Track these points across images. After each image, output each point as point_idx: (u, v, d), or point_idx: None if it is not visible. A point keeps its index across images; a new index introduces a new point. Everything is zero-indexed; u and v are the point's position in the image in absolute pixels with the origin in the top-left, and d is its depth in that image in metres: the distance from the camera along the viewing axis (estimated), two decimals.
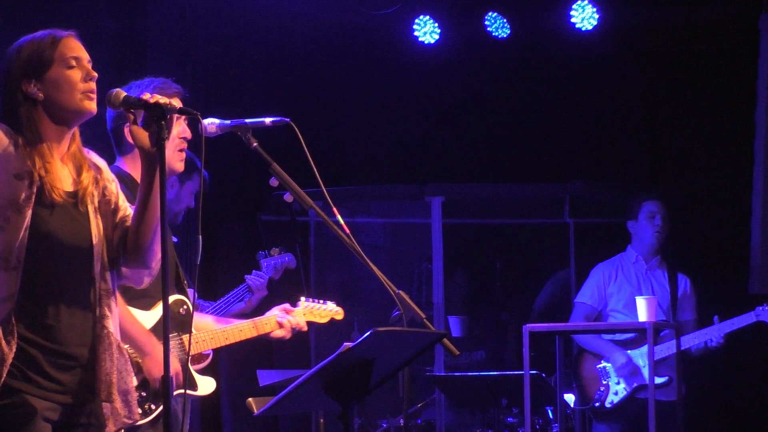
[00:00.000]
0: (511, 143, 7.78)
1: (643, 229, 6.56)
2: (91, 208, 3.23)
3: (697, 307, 6.56)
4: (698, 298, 6.60)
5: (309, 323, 4.88)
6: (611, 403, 6.48)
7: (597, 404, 6.45)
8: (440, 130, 7.78)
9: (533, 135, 7.78)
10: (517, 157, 7.81)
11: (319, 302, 4.90)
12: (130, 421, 3.33)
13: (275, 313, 4.63)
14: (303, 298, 4.85)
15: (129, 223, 3.35)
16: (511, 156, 7.79)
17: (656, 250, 6.61)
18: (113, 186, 3.36)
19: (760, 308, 6.15)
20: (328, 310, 4.94)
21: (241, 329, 4.50)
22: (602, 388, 6.44)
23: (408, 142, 7.73)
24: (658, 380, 6.30)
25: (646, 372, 6.38)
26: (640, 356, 6.41)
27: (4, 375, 3.02)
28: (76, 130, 3.28)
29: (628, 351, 6.46)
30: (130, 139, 3.79)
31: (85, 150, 3.34)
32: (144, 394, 3.99)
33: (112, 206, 3.33)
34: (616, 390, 6.46)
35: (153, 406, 4.01)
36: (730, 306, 6.53)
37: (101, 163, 3.38)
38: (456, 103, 7.81)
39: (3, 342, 3.02)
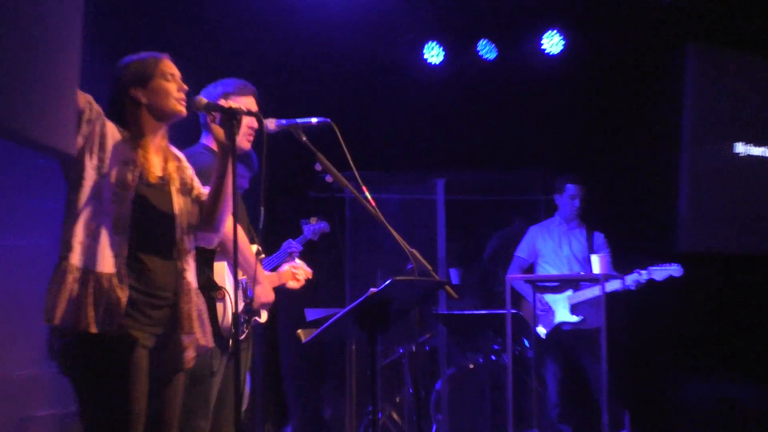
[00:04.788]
0: (497, 138, 7.70)
1: (565, 206, 6.44)
2: (173, 189, 3.20)
3: (610, 256, 6.40)
4: (610, 249, 6.45)
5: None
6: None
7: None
8: (445, 129, 7.67)
9: (515, 133, 7.69)
10: (502, 149, 7.71)
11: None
12: (208, 347, 3.28)
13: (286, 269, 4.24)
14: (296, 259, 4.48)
15: (204, 198, 3.30)
16: (497, 147, 7.70)
17: (577, 216, 6.49)
18: (190, 172, 3.31)
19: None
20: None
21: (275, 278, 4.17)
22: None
23: (420, 137, 7.55)
24: (575, 318, 6.24)
25: (558, 313, 6.25)
26: (561, 299, 6.27)
27: (120, 318, 2.96)
28: (165, 128, 3.25)
29: (550, 295, 6.33)
30: None
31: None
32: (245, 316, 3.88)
33: (189, 187, 3.29)
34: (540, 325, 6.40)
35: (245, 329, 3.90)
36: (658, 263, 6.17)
37: (180, 155, 3.34)
38: (455, 109, 7.73)
39: (119, 289, 2.96)
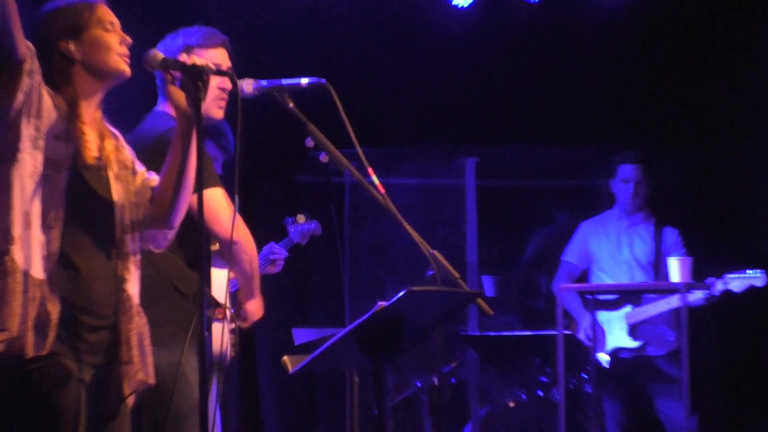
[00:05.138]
0: (543, 105, 7.89)
1: (620, 192, 6.54)
2: (111, 174, 3.32)
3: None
4: (687, 250, 6.51)
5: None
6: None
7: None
8: (476, 93, 7.94)
9: (567, 98, 7.84)
10: (549, 119, 7.90)
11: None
12: (148, 383, 3.38)
13: None
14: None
15: (154, 183, 3.45)
16: (543, 117, 7.92)
17: (638, 207, 6.57)
18: (128, 152, 3.45)
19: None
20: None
21: None
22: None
23: (442, 103, 7.81)
24: (634, 343, 6.41)
25: (613, 335, 6.41)
26: (616, 318, 6.41)
27: (52, 339, 3.04)
28: (100, 98, 3.36)
29: (603, 312, 6.44)
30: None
31: None
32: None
33: (131, 171, 3.42)
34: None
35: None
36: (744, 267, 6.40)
37: (116, 132, 3.47)
38: (488, 67, 7.96)
39: (50, 302, 3.07)
